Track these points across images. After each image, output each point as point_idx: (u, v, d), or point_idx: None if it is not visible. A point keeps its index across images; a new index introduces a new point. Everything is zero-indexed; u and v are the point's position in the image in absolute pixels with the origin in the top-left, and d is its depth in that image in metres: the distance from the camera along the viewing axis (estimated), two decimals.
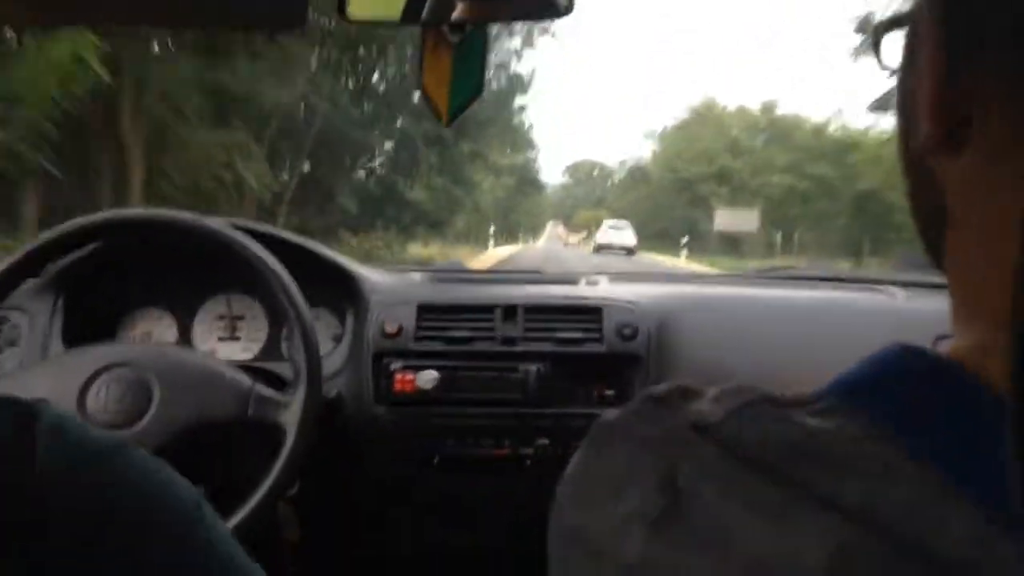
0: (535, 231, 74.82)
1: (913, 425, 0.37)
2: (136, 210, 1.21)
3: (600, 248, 33.06)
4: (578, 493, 0.45)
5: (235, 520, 1.03)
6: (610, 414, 0.45)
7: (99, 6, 0.88)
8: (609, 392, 1.45)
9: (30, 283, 1.25)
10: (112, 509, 0.46)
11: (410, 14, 0.78)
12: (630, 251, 31.80)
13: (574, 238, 68.11)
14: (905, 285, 1.78)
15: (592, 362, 1.45)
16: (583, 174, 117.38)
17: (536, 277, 1.81)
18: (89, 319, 1.45)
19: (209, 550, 0.51)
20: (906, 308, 1.63)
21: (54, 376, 1.12)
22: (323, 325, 1.35)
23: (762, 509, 0.37)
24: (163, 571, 0.47)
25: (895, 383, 0.40)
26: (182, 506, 0.50)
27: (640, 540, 0.39)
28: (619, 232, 34.27)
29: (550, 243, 61.76)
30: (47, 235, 1.17)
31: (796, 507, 0.36)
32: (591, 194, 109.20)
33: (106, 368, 1.11)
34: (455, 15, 0.77)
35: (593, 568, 0.40)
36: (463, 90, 0.76)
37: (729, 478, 0.38)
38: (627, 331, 1.45)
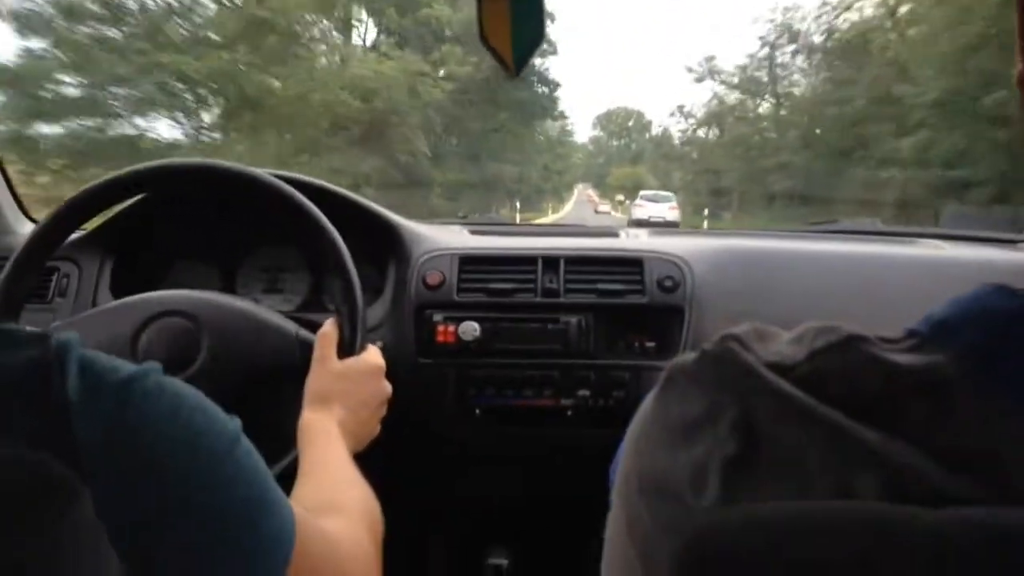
0: (559, 195, 62.02)
1: (998, 360, 0.37)
2: (180, 160, 1.20)
3: (637, 224, 27.05)
4: (652, 436, 0.44)
5: (279, 467, 1.04)
6: (685, 357, 0.45)
7: None
8: (650, 344, 1.45)
9: (79, 234, 1.26)
10: (142, 434, 0.46)
11: None
12: (672, 227, 27.12)
13: (606, 205, 59.72)
14: (949, 239, 1.75)
15: (633, 314, 1.45)
16: (616, 125, 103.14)
17: (577, 230, 1.81)
18: (136, 269, 1.47)
19: (235, 484, 0.51)
20: (951, 258, 1.61)
21: (107, 324, 1.13)
22: (363, 276, 1.35)
23: (848, 446, 0.36)
24: (194, 495, 0.47)
25: (984, 320, 0.39)
26: (212, 435, 0.51)
27: (718, 482, 0.38)
28: (658, 205, 27.42)
29: (577, 211, 54.13)
30: (92, 185, 1.18)
31: (886, 443, 0.36)
32: (626, 150, 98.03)
33: (157, 316, 1.11)
34: None
35: (672, 512, 0.40)
36: (523, 37, 0.75)
37: (806, 418, 0.37)
38: (668, 283, 1.44)
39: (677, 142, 44.07)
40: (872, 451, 0.36)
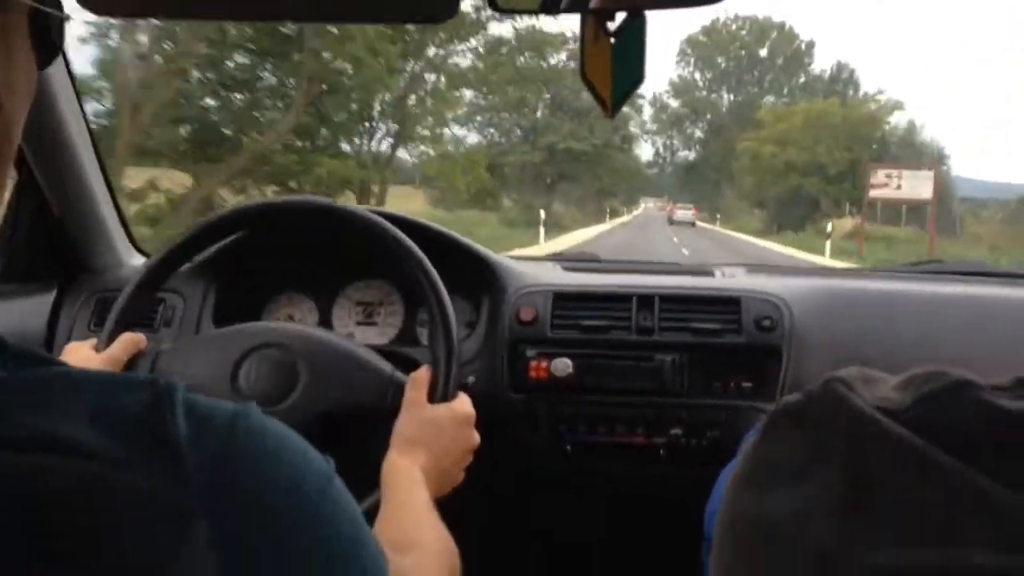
0: (613, 209, 43.63)
1: None
2: (281, 198, 1.24)
3: None
4: (756, 479, 0.44)
5: (363, 506, 1.05)
6: (790, 398, 0.44)
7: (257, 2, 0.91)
8: (746, 384, 1.42)
9: (185, 267, 1.31)
10: (246, 471, 0.47)
11: (549, 2, 0.78)
12: None
13: (687, 210, 41.65)
14: None
15: (729, 353, 1.43)
16: (730, 55, 52.90)
17: (671, 267, 1.79)
18: (237, 302, 1.52)
19: (334, 522, 0.52)
20: None
21: (210, 353, 1.17)
22: (457, 311, 1.37)
23: (960, 492, 0.35)
24: (293, 532, 0.48)
25: None
26: (312, 474, 0.52)
27: (827, 526, 0.38)
28: None
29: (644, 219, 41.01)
30: (201, 222, 1.23)
31: (997, 490, 0.35)
32: (746, 107, 49.78)
33: (257, 347, 1.14)
34: (595, 3, 0.77)
35: (780, 555, 0.40)
36: (624, 79, 0.76)
37: (920, 461, 0.36)
38: (766, 323, 1.42)
39: None
40: (985, 499, 0.35)
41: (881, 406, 0.39)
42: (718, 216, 47.75)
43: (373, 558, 0.56)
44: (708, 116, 57.86)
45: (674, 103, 58.27)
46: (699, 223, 43.12)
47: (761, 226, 40.36)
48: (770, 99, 51.34)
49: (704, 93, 58.31)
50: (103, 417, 0.44)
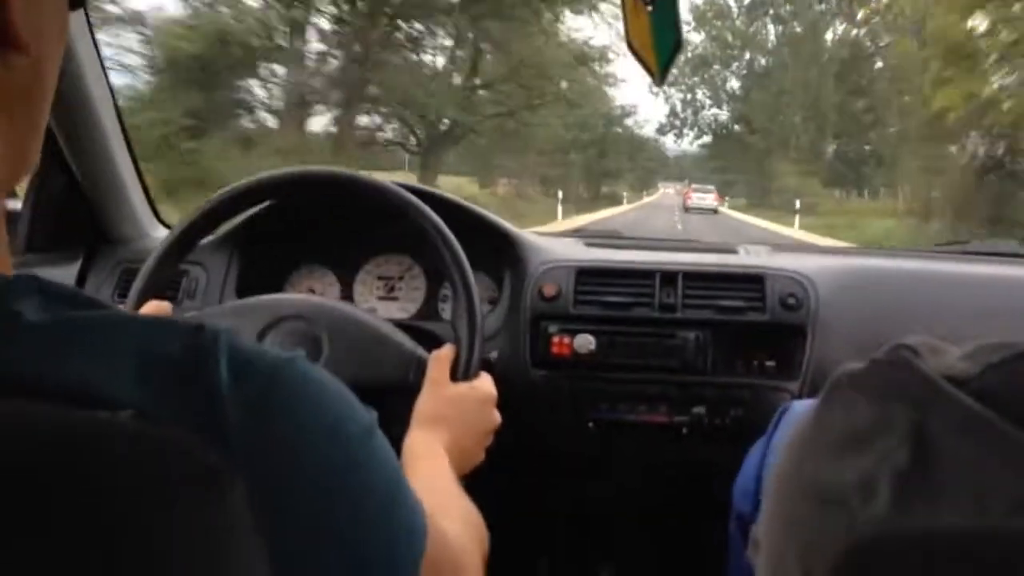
0: (612, 194, 34.29)
1: None
2: (309, 168, 1.22)
3: None
4: (815, 443, 0.43)
5: None
6: (853, 364, 0.44)
7: None
8: (770, 363, 1.41)
9: (208, 239, 1.31)
10: (287, 418, 0.47)
11: None
12: None
13: (707, 195, 31.78)
14: None
15: (753, 331, 1.42)
16: None
17: (693, 245, 1.78)
18: (259, 274, 1.51)
19: (375, 469, 0.51)
20: None
21: (233, 323, 1.14)
22: (479, 286, 1.37)
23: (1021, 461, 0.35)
24: (334, 478, 0.48)
25: None
26: (354, 423, 0.51)
27: (889, 494, 0.37)
28: None
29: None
30: (223, 192, 1.22)
31: None
32: (803, 9, 34.63)
33: (281, 319, 1.14)
34: None
35: (839, 523, 0.39)
36: (665, 45, 0.76)
37: (986, 431, 0.36)
38: (791, 301, 1.41)
39: None
40: None
41: (948, 374, 0.39)
42: (797, 208, 25.93)
43: (412, 508, 0.56)
44: (747, 56, 39.33)
45: (697, 38, 39.27)
46: (758, 223, 27.78)
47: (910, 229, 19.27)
48: (838, 27, 33.48)
49: (740, 23, 39.42)
50: (143, 361, 0.44)
